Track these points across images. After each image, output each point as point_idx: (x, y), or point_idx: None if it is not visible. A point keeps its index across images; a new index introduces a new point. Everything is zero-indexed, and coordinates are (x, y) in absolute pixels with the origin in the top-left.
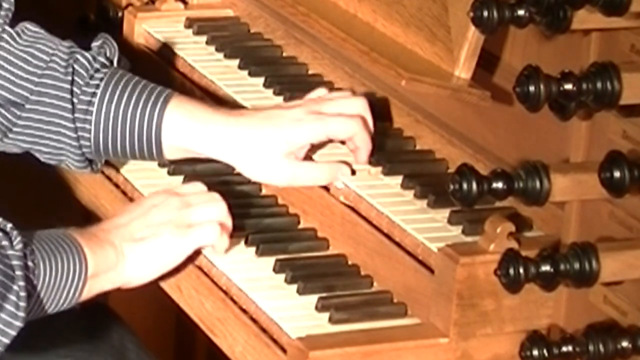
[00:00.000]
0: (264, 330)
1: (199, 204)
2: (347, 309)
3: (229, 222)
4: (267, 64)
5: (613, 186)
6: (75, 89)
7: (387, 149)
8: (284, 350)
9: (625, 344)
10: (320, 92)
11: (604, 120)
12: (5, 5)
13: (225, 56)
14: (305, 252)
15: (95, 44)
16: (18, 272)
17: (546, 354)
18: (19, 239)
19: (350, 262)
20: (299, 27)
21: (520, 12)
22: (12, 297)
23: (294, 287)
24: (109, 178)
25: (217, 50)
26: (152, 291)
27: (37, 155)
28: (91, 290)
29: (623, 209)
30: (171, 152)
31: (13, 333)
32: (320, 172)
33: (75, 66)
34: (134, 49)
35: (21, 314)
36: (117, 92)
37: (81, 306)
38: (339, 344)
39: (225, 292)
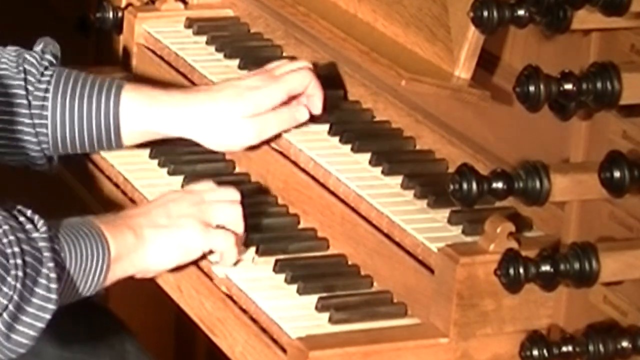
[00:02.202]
0: (264, 330)
1: (216, 202)
2: (347, 309)
3: (241, 227)
4: (267, 64)
5: (613, 186)
6: (29, 86)
7: (387, 149)
8: (284, 350)
9: (625, 344)
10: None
11: (604, 120)
12: None
13: (225, 56)
14: (305, 252)
15: (37, 47)
16: (46, 254)
17: (546, 354)
18: (42, 222)
19: (350, 262)
20: (299, 27)
21: (520, 12)
22: (43, 281)
23: (294, 287)
24: (109, 178)
25: (217, 50)
26: (152, 291)
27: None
28: (115, 273)
29: (623, 209)
30: (131, 138)
31: (47, 316)
32: (282, 115)
33: (25, 65)
34: (134, 49)
35: (53, 296)
36: (70, 85)
37: (82, 306)
38: (339, 344)
39: (225, 292)
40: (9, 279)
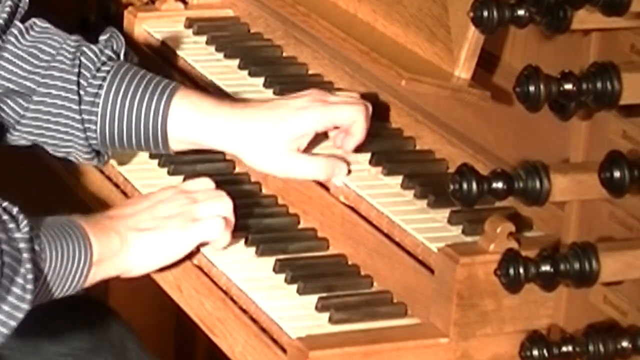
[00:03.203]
0: (264, 330)
1: (205, 200)
2: (347, 309)
3: (232, 218)
4: (267, 64)
5: (613, 186)
6: (82, 81)
7: (387, 149)
8: (284, 350)
9: (625, 344)
10: None
11: (604, 120)
12: (21, 3)
13: (225, 56)
14: (305, 252)
15: (102, 38)
16: (25, 255)
17: (546, 354)
18: (25, 222)
19: (350, 262)
20: (299, 27)
21: (520, 12)
22: (20, 280)
23: (294, 287)
24: (109, 178)
25: (217, 50)
26: (152, 291)
27: (45, 147)
28: (95, 276)
29: (623, 209)
30: (176, 144)
31: (20, 316)
32: (319, 165)
33: (82, 59)
34: (134, 49)
35: (28, 296)
36: (124, 85)
37: (82, 304)
38: (339, 344)
39: (225, 292)
40: None
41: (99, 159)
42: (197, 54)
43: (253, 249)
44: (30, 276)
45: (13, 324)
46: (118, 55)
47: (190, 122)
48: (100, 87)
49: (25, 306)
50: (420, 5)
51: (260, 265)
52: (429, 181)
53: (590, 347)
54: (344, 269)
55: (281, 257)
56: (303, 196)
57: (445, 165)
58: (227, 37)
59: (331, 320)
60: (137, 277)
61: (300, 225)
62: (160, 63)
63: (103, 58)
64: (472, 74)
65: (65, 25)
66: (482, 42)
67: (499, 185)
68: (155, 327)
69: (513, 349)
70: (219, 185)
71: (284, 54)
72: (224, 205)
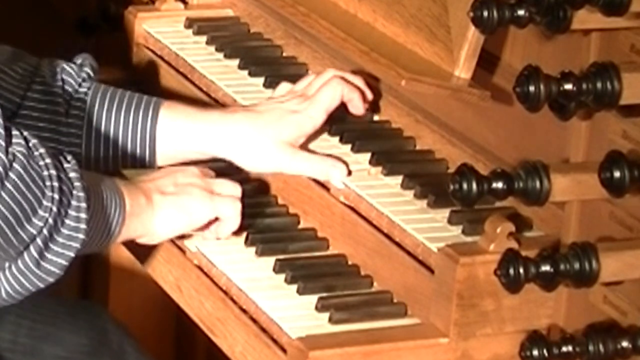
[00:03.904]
0: (264, 330)
1: (220, 179)
2: (347, 309)
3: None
4: (267, 64)
5: (613, 186)
6: (66, 96)
7: (387, 149)
8: (284, 350)
9: (625, 344)
10: (286, 86)
11: (604, 120)
12: None
13: (225, 56)
14: (305, 252)
15: (77, 61)
16: (77, 184)
17: (546, 354)
18: (74, 161)
19: (350, 262)
20: (299, 27)
21: (520, 12)
22: (73, 212)
23: (294, 287)
24: None
25: (217, 50)
26: (152, 291)
27: None
28: (129, 228)
29: (623, 209)
30: (164, 158)
31: (77, 245)
32: (317, 163)
33: (63, 75)
34: (134, 49)
35: (83, 225)
36: (107, 100)
37: (80, 307)
38: (339, 344)
39: (225, 292)
40: (44, 201)
41: None
42: (197, 54)
43: (253, 249)
44: (83, 205)
45: (70, 254)
46: (95, 73)
47: (182, 131)
48: (84, 101)
49: (82, 236)
50: (420, 5)
51: (260, 265)
52: (429, 181)
53: (590, 347)
54: (344, 269)
55: (281, 257)
56: (303, 196)
57: (445, 165)
58: (227, 37)
59: (331, 320)
60: (137, 277)
61: (300, 225)
62: (160, 63)
63: (83, 74)
64: (472, 74)
65: (65, 25)
66: (482, 42)
67: (499, 185)
68: (155, 328)
69: (513, 349)
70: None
71: (284, 54)
72: (237, 190)
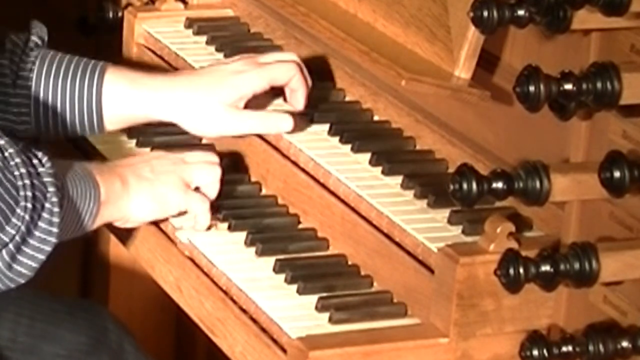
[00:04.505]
0: (264, 330)
1: (196, 164)
2: (347, 309)
3: (216, 191)
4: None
5: (613, 186)
6: (13, 66)
7: (387, 149)
8: (284, 350)
9: (625, 344)
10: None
11: (604, 120)
12: None
13: (225, 56)
14: (305, 252)
15: (30, 29)
16: (51, 189)
17: (546, 354)
18: (46, 158)
19: (350, 262)
20: (299, 27)
21: (520, 12)
22: (46, 215)
23: (294, 287)
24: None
25: (217, 50)
26: (152, 291)
27: None
28: (103, 216)
29: (623, 209)
30: (112, 122)
31: (48, 249)
32: (263, 118)
33: (9, 45)
34: (134, 49)
35: (55, 229)
36: (54, 67)
37: (79, 306)
38: (339, 344)
39: (225, 292)
40: (18, 210)
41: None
42: (197, 54)
43: (253, 249)
44: (56, 209)
45: (41, 257)
46: (43, 42)
47: (126, 95)
48: (30, 70)
49: (53, 239)
50: (420, 5)
51: (260, 265)
52: (429, 181)
53: (590, 347)
54: (344, 269)
55: (281, 257)
56: (303, 196)
57: (445, 165)
58: (227, 37)
59: (331, 320)
60: (137, 277)
61: (300, 225)
62: (160, 63)
63: (30, 44)
64: (472, 74)
65: (65, 25)
66: (482, 42)
67: (499, 185)
68: (155, 328)
69: (513, 349)
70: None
71: None
72: (214, 173)
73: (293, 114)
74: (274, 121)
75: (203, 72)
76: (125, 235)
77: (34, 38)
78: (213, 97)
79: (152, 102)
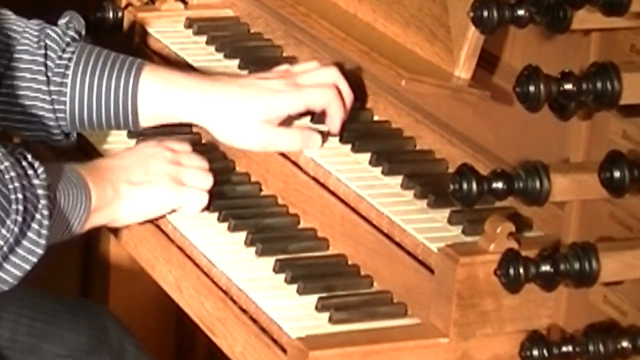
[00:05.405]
0: (264, 330)
1: (190, 166)
2: (347, 309)
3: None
4: (267, 64)
5: (613, 186)
6: (49, 62)
7: (387, 149)
8: (284, 350)
9: (625, 344)
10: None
11: (604, 120)
12: None
13: (225, 56)
14: (305, 252)
15: (62, 21)
16: (42, 202)
17: (546, 354)
18: (42, 169)
19: (350, 262)
20: (299, 27)
21: (520, 12)
22: (35, 226)
23: (294, 287)
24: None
25: (217, 50)
26: (152, 291)
27: (16, 131)
28: (91, 222)
29: (623, 209)
30: (146, 120)
31: (35, 259)
32: (293, 137)
33: (47, 41)
34: (134, 49)
35: (43, 241)
36: (91, 63)
37: (80, 306)
38: (339, 344)
39: (225, 292)
40: (8, 222)
41: (68, 141)
42: (197, 54)
43: (253, 249)
44: (45, 222)
45: (27, 267)
46: (80, 36)
47: (160, 95)
48: (67, 67)
49: (40, 251)
50: (420, 5)
51: (260, 265)
52: (429, 181)
53: (590, 347)
54: (344, 269)
55: (281, 257)
56: (303, 196)
57: (445, 165)
58: (227, 37)
59: (331, 320)
60: (137, 277)
61: (300, 225)
62: (160, 63)
63: (67, 39)
64: (472, 74)
65: None
66: (482, 42)
67: (499, 185)
68: (155, 327)
69: (513, 349)
70: (219, 185)
71: (284, 54)
72: (207, 179)
73: (322, 132)
74: (304, 140)
75: (240, 83)
76: (125, 235)
77: (70, 32)
78: (248, 110)
79: (186, 105)
